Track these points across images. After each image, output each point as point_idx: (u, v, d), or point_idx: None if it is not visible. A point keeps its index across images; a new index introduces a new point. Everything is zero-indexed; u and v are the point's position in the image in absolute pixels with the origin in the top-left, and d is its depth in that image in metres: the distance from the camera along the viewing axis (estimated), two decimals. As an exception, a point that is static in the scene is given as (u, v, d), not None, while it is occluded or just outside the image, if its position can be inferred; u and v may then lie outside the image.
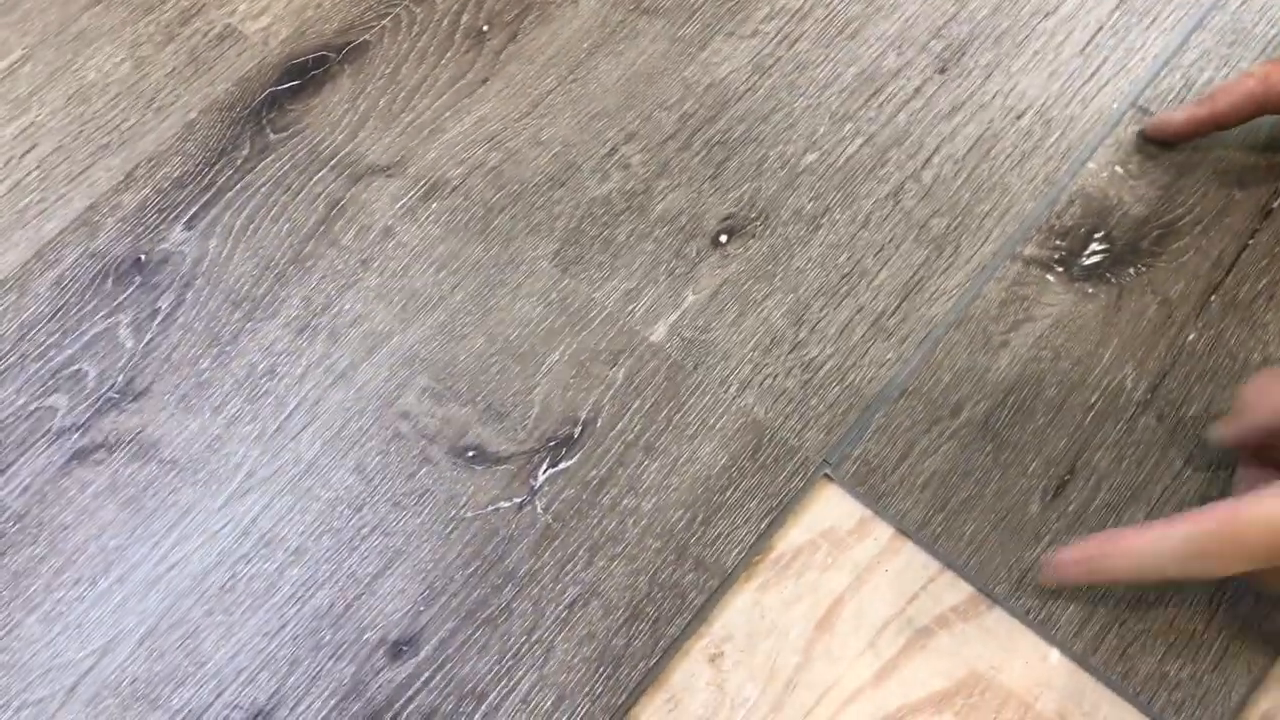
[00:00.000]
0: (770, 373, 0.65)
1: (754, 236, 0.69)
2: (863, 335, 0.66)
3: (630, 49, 0.75)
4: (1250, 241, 0.67)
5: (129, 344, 0.67)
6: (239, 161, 0.72)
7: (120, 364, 0.66)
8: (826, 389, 0.65)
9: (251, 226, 0.70)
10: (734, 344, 0.66)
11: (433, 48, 0.75)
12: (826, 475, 0.63)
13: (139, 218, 0.70)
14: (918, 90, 0.72)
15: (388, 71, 0.74)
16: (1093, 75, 0.72)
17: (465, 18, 0.76)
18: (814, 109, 0.72)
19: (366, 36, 0.75)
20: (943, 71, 0.73)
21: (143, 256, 0.69)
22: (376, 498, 0.62)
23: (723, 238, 0.69)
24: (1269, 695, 0.57)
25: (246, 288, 0.68)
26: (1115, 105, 0.71)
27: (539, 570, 0.60)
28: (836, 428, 0.64)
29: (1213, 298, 0.66)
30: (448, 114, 0.73)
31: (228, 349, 0.66)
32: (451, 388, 0.65)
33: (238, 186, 0.71)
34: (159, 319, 0.67)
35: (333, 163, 0.71)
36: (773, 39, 0.74)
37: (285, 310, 0.67)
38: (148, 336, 0.67)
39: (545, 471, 0.63)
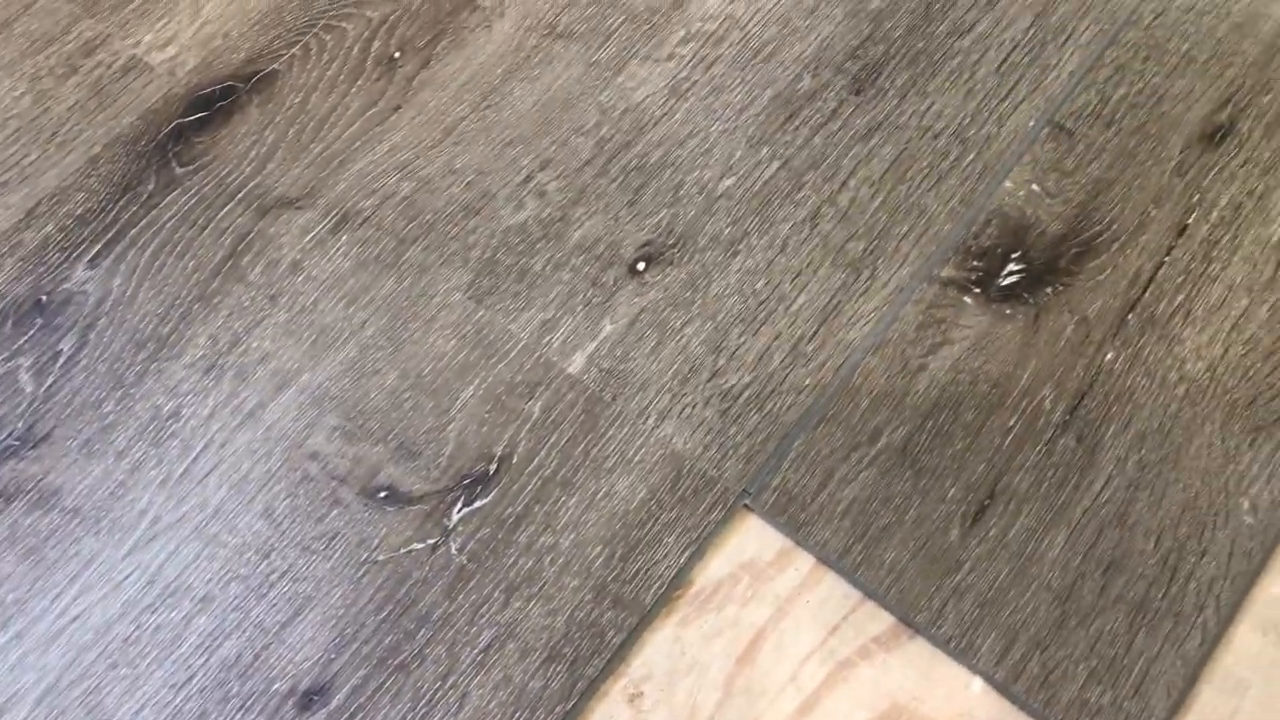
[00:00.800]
0: (689, 402, 0.64)
1: (672, 264, 0.68)
2: (781, 362, 0.65)
3: (545, 74, 0.73)
4: (1167, 258, 0.67)
5: (29, 388, 0.65)
6: (144, 197, 0.70)
7: (20, 409, 0.64)
8: (745, 418, 0.64)
9: (156, 264, 0.68)
10: (652, 374, 0.65)
11: (343, 76, 0.73)
12: (746, 506, 0.62)
13: (40, 257, 0.68)
14: (834, 112, 0.72)
15: (297, 101, 0.73)
16: (1009, 93, 0.72)
17: (376, 45, 0.74)
18: (730, 133, 0.71)
19: (275, 66, 0.74)
20: (858, 93, 0.72)
21: (44, 297, 0.67)
22: (285, 542, 0.61)
23: (640, 265, 0.68)
24: (1188, 719, 0.57)
25: (151, 327, 0.66)
26: (1032, 123, 0.71)
27: (453, 613, 0.59)
28: (755, 457, 0.63)
29: (1130, 316, 0.66)
30: (358, 143, 0.71)
31: (132, 391, 0.64)
32: (362, 426, 0.63)
33: (142, 223, 0.69)
34: (61, 361, 0.65)
35: (240, 196, 0.70)
36: (689, 62, 0.74)
37: (191, 350, 0.66)
38: (49, 380, 0.65)
39: (460, 511, 0.61)
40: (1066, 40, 0.73)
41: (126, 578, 0.60)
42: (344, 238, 0.68)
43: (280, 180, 0.70)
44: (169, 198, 0.70)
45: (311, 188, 0.70)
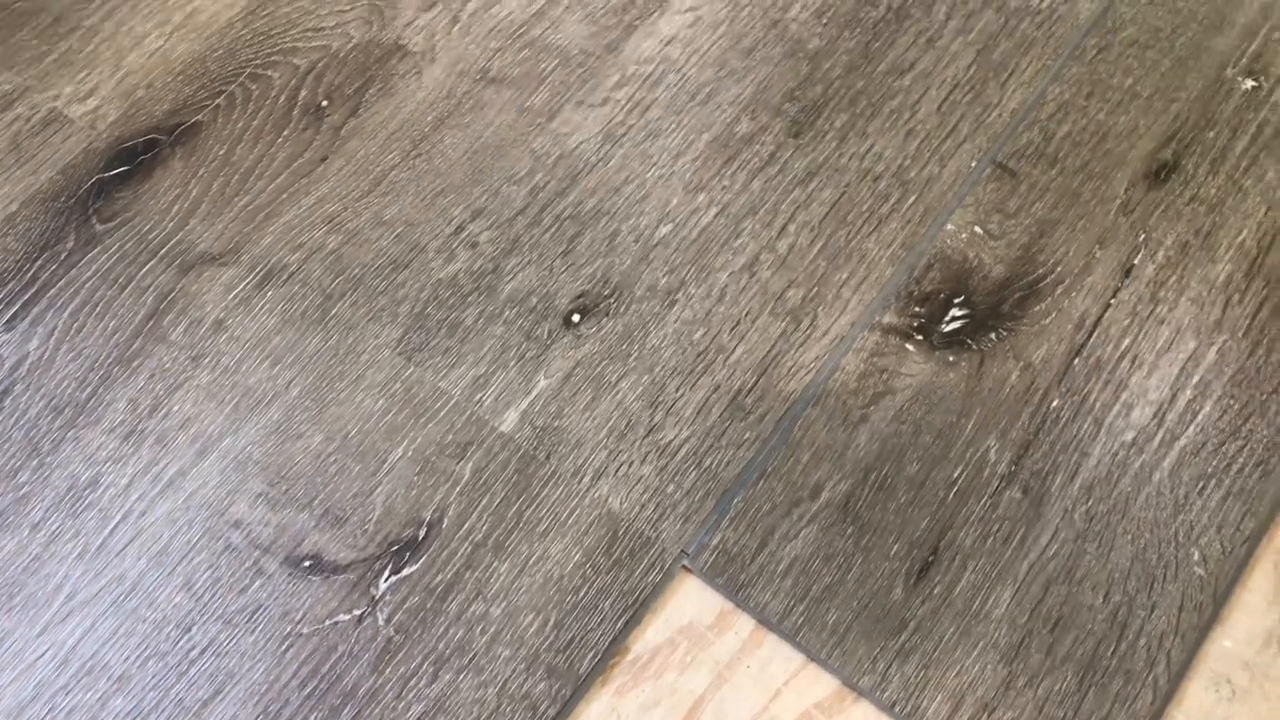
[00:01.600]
0: (625, 459, 0.62)
1: (608, 315, 0.66)
2: (720, 415, 0.63)
3: (477, 121, 0.72)
4: (1113, 301, 0.66)
5: (-60, 459, 0.62)
6: (63, 255, 0.68)
7: (-70, 482, 0.62)
8: (683, 474, 0.62)
9: (75, 325, 0.66)
10: (588, 430, 0.63)
11: (269, 126, 0.71)
12: (685, 567, 0.60)
13: (-46, 320, 0.66)
14: (772, 156, 0.70)
15: (221, 153, 0.71)
16: (950, 133, 0.70)
17: (304, 93, 0.72)
18: (667, 179, 0.70)
19: (200, 117, 0.72)
20: (797, 135, 0.71)
21: (-43, 362, 0.65)
22: (206, 616, 0.59)
23: (575, 317, 0.66)
24: (1142, 781, 0.55)
25: (69, 392, 0.64)
26: (974, 163, 0.70)
27: (380, 688, 0.57)
28: (694, 515, 0.61)
29: (1076, 361, 0.64)
30: (284, 196, 0.69)
31: (48, 460, 0.62)
32: (287, 492, 0.61)
33: (61, 282, 0.67)
34: (-26, 430, 0.63)
35: (162, 252, 0.68)
36: (624, 106, 0.72)
37: (110, 415, 0.63)
38: (-39, 450, 0.62)
39: (387, 579, 0.59)
40: (1009, 77, 0.72)
41: (40, 657, 0.58)
42: (269, 294, 0.66)
43: (204, 235, 0.68)
44: (89, 255, 0.67)
45: (236, 243, 0.68)
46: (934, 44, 0.73)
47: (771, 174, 0.70)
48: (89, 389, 0.64)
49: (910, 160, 0.70)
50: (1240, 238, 0.66)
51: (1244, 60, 0.72)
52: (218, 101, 0.72)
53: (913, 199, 0.69)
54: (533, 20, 0.75)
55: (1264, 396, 0.62)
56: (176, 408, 0.63)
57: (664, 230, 0.68)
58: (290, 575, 0.59)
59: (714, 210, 0.69)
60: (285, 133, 0.71)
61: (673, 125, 0.71)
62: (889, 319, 0.65)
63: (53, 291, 0.67)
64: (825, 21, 0.74)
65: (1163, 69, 0.72)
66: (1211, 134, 0.70)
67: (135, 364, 0.65)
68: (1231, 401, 0.62)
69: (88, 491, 0.61)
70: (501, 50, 0.74)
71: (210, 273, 0.67)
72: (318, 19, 0.74)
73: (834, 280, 0.67)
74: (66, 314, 0.66)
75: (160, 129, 0.71)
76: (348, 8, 0.75)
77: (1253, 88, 0.71)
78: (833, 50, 0.73)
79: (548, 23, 0.75)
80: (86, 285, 0.67)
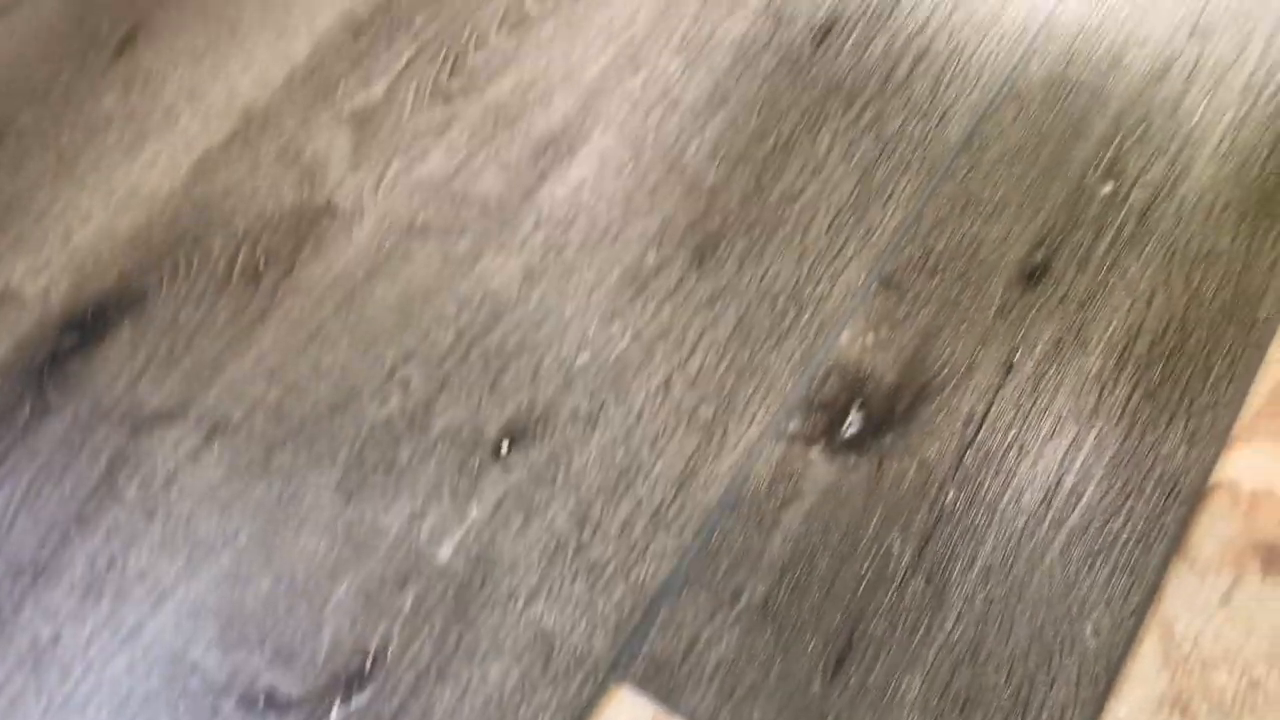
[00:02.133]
0: (557, 579, 0.66)
1: (534, 443, 0.71)
2: (643, 530, 0.68)
3: (405, 270, 0.77)
4: (997, 397, 0.71)
5: (-93, 628, 0.66)
6: (19, 425, 0.72)
7: (-102, 651, 0.65)
8: (612, 589, 0.66)
9: (34, 489, 0.70)
10: (520, 554, 0.67)
11: (210, 289, 0.77)
12: (617, 678, 0.64)
13: (-83, 493, 0.70)
14: (679, 284, 0.76)
15: (167, 317, 0.76)
16: (839, 252, 0.77)
17: (242, 256, 0.78)
18: (584, 311, 0.75)
19: (145, 284, 0.77)
20: (700, 264, 0.77)
21: (-79, 534, 0.68)
22: (166, 761, 0.62)
23: (504, 448, 0.71)
24: None
25: (29, 554, 0.68)
26: (862, 279, 0.76)
27: (333, 817, 0.60)
28: (624, 627, 0.65)
29: (967, 455, 0.69)
30: (228, 353, 0.74)
31: (9, 622, 0.66)
32: (240, 634, 0.65)
33: (18, 450, 0.71)
34: (-61, 598, 0.66)
35: (114, 416, 0.72)
36: (541, 248, 0.78)
37: (69, 573, 0.67)
38: (-73, 617, 0.66)
39: (337, 711, 0.63)
40: (889, 198, 0.79)
41: (8, 814, 0.61)
42: (215, 448, 0.71)
43: (153, 396, 0.73)
44: (44, 423, 0.72)
45: (183, 401, 0.73)
46: (819, 172, 0.80)
47: (679, 300, 0.76)
48: (48, 549, 0.68)
49: (804, 279, 0.76)
50: (1109, 331, 0.73)
51: (1101, 166, 0.79)
52: (162, 269, 0.78)
53: (808, 315, 0.75)
54: (453, 174, 0.81)
55: (1140, 476, 0.68)
56: (132, 562, 0.67)
57: (583, 358, 0.74)
58: (245, 715, 0.63)
59: (629, 337, 0.74)
60: (226, 294, 0.77)
61: (587, 262, 0.77)
62: (794, 427, 0.71)
63: (10, 460, 0.71)
64: (720, 158, 0.80)
65: (1029, 180, 0.79)
66: (1077, 236, 0.76)
67: (92, 523, 0.69)
68: (1112, 483, 0.68)
69: (49, 648, 0.65)
70: (425, 204, 0.80)
71: (160, 431, 0.72)
72: (253, 186, 0.80)
73: (741, 395, 0.72)
74: (25, 480, 0.70)
75: (108, 298, 0.76)
76: (280, 174, 0.81)
77: (1111, 191, 0.78)
78: (728, 184, 0.79)
79: (467, 175, 0.81)
80: (43, 451, 0.71)
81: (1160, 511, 0.67)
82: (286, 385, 0.73)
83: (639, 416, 0.72)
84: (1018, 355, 0.73)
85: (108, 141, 0.81)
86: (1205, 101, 0.81)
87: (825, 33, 0.84)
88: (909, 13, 0.85)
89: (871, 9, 0.85)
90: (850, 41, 0.84)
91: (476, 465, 0.70)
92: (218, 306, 0.76)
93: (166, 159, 0.81)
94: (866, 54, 0.83)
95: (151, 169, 0.81)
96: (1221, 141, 0.79)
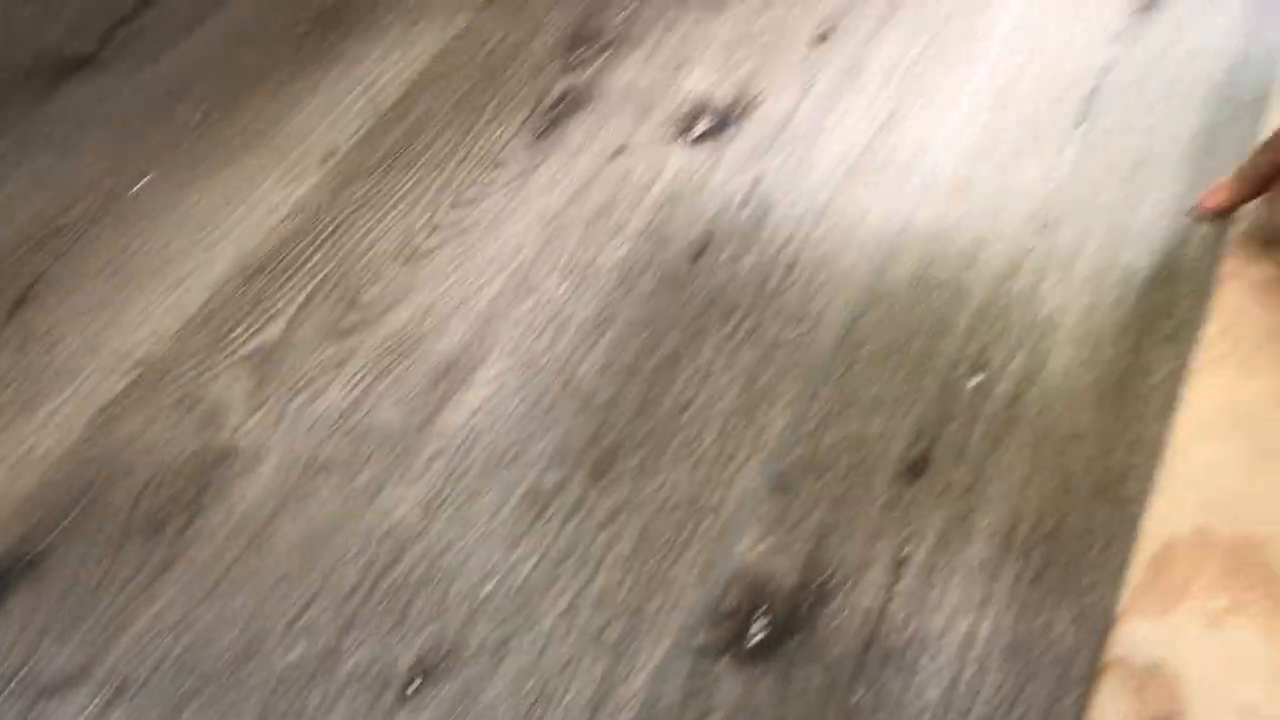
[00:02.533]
0: (474, 820, 0.66)
1: (444, 678, 0.71)
2: (558, 760, 0.68)
3: (308, 508, 0.78)
4: (892, 592, 0.74)
5: None
6: (-89, 703, 0.70)
7: None
8: (530, 825, 0.66)
9: (-74, 773, 0.68)
10: (435, 796, 0.67)
11: (112, 544, 0.77)
12: None
13: None
14: (579, 501, 0.78)
15: (68, 577, 0.75)
16: (731, 458, 0.80)
17: (143, 507, 0.78)
18: (487, 537, 0.77)
19: (44, 545, 0.77)
20: (598, 480, 0.79)
21: None
22: None
23: (413, 686, 0.71)
24: None
25: (-79, 845, 0.65)
26: (755, 483, 0.79)
27: None
28: None
29: (869, 653, 0.71)
30: (130, 609, 0.74)
31: None
32: None
33: (-90, 731, 0.69)
34: None
35: (13, 685, 0.71)
36: (441, 476, 0.80)
37: None
38: None
39: None
40: (774, 402, 0.83)
41: None
42: (118, 713, 0.70)
43: (54, 661, 0.72)
44: (-62, 700, 0.70)
45: (85, 664, 0.72)
46: (706, 380, 0.83)
47: (581, 518, 0.77)
48: (-59, 838, 0.65)
49: (700, 488, 0.79)
50: (991, 519, 0.76)
51: (968, 359, 0.84)
52: (61, 528, 0.77)
53: (706, 523, 0.77)
54: (351, 408, 0.83)
55: (1035, 662, 0.70)
56: (31, 844, 0.65)
57: (489, 586, 0.75)
58: None
59: (533, 560, 0.76)
60: (128, 547, 0.77)
61: (487, 486, 0.79)
62: (701, 640, 0.72)
63: (-98, 742, 0.69)
64: (610, 374, 0.84)
65: (901, 376, 0.83)
66: (952, 428, 0.81)
67: (-12, 804, 0.66)
68: (1008, 671, 0.70)
69: None
70: (325, 440, 0.81)
71: (60, 697, 0.70)
72: (152, 436, 0.81)
73: (648, 611, 0.73)
74: (-83, 763, 0.68)
75: (3, 564, 0.76)
76: (179, 421, 0.82)
77: (980, 382, 0.83)
78: (619, 399, 0.83)
79: (365, 409, 0.83)
80: (-63, 730, 0.69)
81: (1057, 697, 0.69)
82: (193, 637, 0.73)
83: (547, 642, 0.72)
84: (908, 548, 0.75)
85: (1, 403, 0.82)
86: (1057, 290, 0.87)
87: (700, 251, 0.90)
88: (776, 227, 0.91)
89: (740, 227, 0.91)
90: (724, 257, 0.89)
91: (387, 707, 0.70)
92: (119, 561, 0.76)
93: (63, 416, 0.82)
94: (739, 268, 0.89)
95: (47, 427, 0.81)
96: (1076, 327, 0.85)
